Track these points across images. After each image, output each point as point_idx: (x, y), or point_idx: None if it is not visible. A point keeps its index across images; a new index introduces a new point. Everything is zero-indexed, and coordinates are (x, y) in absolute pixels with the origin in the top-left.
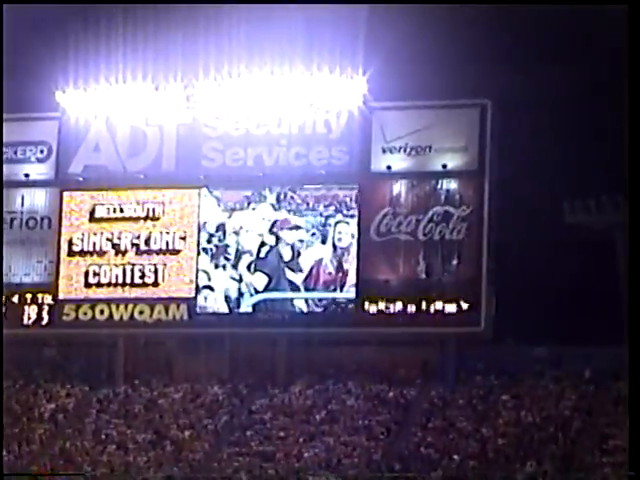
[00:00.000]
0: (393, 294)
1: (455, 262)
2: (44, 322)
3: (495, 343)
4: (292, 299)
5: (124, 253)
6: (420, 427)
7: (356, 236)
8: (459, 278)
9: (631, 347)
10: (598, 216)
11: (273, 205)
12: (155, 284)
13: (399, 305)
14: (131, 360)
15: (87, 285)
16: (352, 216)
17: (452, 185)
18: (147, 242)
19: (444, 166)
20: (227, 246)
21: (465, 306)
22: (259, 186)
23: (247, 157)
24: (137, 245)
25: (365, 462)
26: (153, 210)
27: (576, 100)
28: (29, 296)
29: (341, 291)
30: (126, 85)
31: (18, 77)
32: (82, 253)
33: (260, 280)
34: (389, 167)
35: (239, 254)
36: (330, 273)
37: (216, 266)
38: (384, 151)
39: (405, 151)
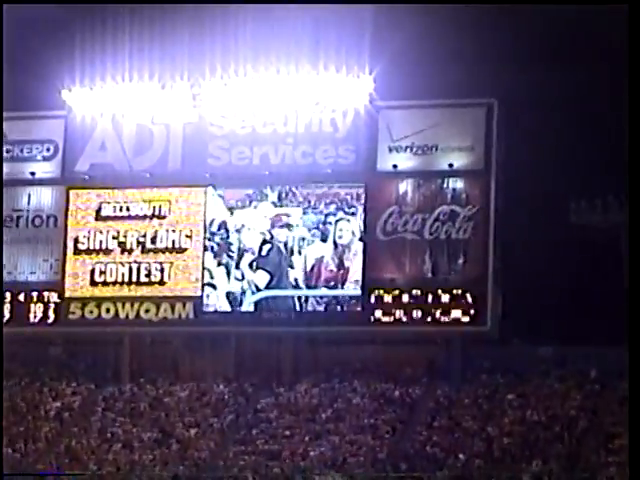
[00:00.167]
0: (399, 293)
1: (461, 261)
2: (50, 320)
3: (501, 342)
4: (294, 297)
5: (130, 251)
6: (426, 426)
7: (357, 234)
8: (465, 277)
9: (631, 347)
10: (604, 216)
11: (275, 203)
12: (161, 282)
13: (405, 304)
14: (137, 358)
15: (93, 283)
16: (353, 214)
17: (458, 184)
18: (153, 240)
19: (450, 165)
20: (230, 244)
21: (471, 305)
22: (261, 184)
23: (253, 156)
24: (143, 243)
25: (371, 461)
26: (159, 208)
27: (582, 100)
28: (35, 294)
29: (342, 288)
30: (132, 84)
31: (25, 75)
32: (88, 251)
33: (262, 278)
34: (395, 166)
35: (241, 252)
36: (331, 270)
37: (219, 264)
38: (390, 150)
39: (411, 150)
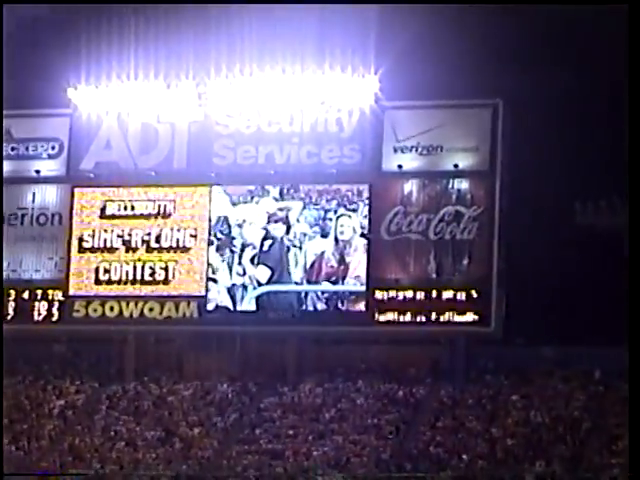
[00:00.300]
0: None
1: (466, 262)
2: (54, 318)
3: (505, 343)
4: (295, 292)
5: (135, 250)
6: (429, 426)
7: (358, 230)
8: (470, 278)
9: (631, 347)
10: (609, 217)
11: (276, 199)
12: (165, 281)
13: (409, 304)
14: (141, 357)
15: (97, 282)
16: (354, 210)
17: (463, 185)
18: (158, 239)
19: (455, 166)
20: (232, 239)
21: (475, 306)
22: (265, 183)
23: (258, 155)
24: (148, 242)
25: (374, 461)
26: (164, 207)
27: (588, 100)
28: (39, 292)
29: (342, 284)
30: (138, 82)
31: (30, 73)
32: (93, 250)
33: (263, 273)
34: (400, 166)
35: (242, 247)
36: (332, 266)
37: (220, 259)
38: (395, 150)
39: (416, 150)
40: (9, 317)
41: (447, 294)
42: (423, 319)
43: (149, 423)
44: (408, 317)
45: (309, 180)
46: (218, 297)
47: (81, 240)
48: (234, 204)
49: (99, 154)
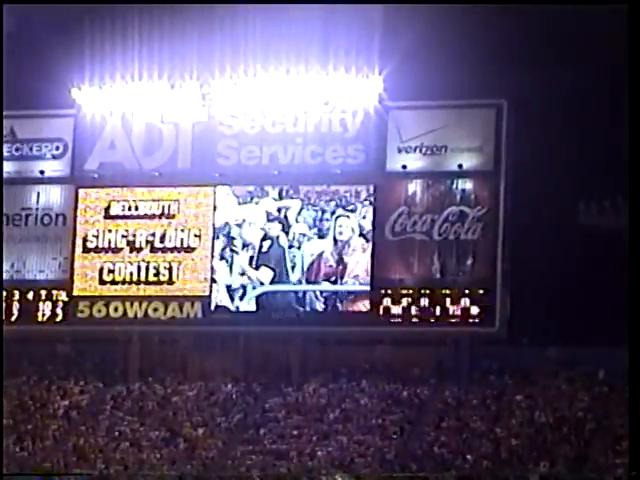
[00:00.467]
0: (408, 293)
1: (470, 262)
2: (58, 319)
3: (509, 343)
4: (295, 292)
5: (139, 250)
6: (434, 427)
7: (357, 230)
8: (474, 278)
9: (631, 348)
10: (613, 217)
11: (275, 199)
12: (170, 282)
13: (413, 304)
14: (145, 357)
15: (102, 282)
16: (352, 211)
17: (467, 185)
18: (162, 240)
19: (460, 166)
20: (233, 239)
21: (479, 306)
22: (269, 184)
23: (262, 155)
24: (152, 243)
25: (378, 461)
26: (168, 208)
27: (592, 100)
28: (44, 293)
29: (341, 283)
30: (142, 83)
31: (34, 74)
32: (97, 250)
33: (262, 273)
34: (404, 166)
35: (242, 247)
36: (331, 266)
37: (221, 259)
38: (400, 150)
39: (421, 151)
40: (13, 317)
41: (451, 294)
42: (427, 319)
43: (153, 423)
44: (412, 317)
45: (313, 180)
46: (218, 296)
47: (85, 240)
48: (236, 205)
49: (103, 154)
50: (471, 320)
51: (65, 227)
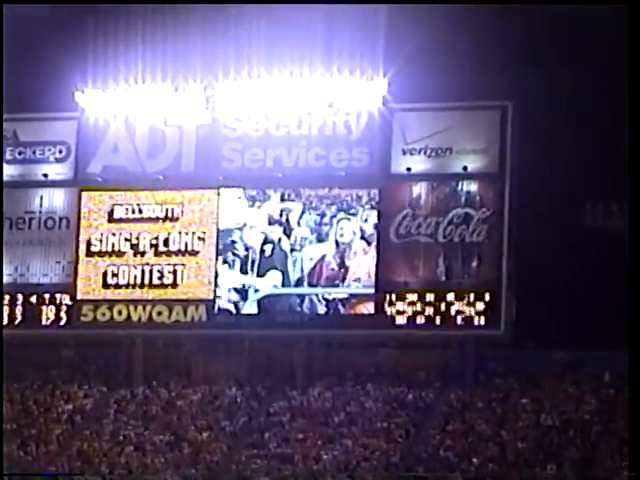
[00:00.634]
0: (413, 296)
1: (475, 264)
2: (62, 323)
3: (515, 346)
4: (297, 295)
5: (143, 254)
6: (439, 430)
7: (358, 233)
8: (479, 280)
9: (631, 349)
10: (619, 219)
11: (277, 203)
12: (174, 285)
13: (418, 307)
14: (149, 361)
15: (105, 286)
16: (354, 214)
17: (472, 187)
18: (166, 243)
19: (464, 168)
20: (234, 242)
21: (485, 309)
22: (273, 187)
23: (266, 158)
24: (156, 246)
25: (384, 465)
26: (172, 211)
27: (597, 101)
28: (47, 296)
29: (343, 286)
30: (145, 85)
31: (37, 77)
32: (100, 254)
33: (270, 276)
34: (409, 169)
35: (244, 251)
36: (333, 269)
37: (224, 262)
38: (404, 153)
39: (425, 153)
40: (17, 321)
41: (456, 297)
42: (432, 322)
43: (158, 427)
44: (417, 320)
45: (317, 183)
46: (220, 301)
47: (89, 244)
48: (238, 208)
49: (107, 158)
50: (476, 323)
51: (68, 230)
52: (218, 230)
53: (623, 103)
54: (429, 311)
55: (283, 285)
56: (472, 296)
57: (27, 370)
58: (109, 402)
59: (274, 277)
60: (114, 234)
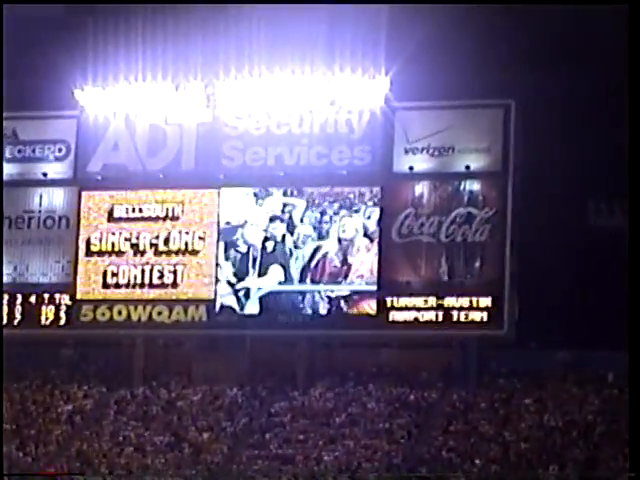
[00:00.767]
0: (415, 296)
1: (478, 264)
2: (62, 322)
3: (518, 346)
4: (300, 292)
5: (143, 253)
6: (441, 431)
7: (360, 230)
8: (482, 280)
9: (631, 349)
10: (622, 218)
11: (279, 200)
12: (174, 285)
13: (421, 307)
14: (149, 361)
15: (105, 285)
16: (356, 211)
17: (475, 186)
18: (166, 242)
19: (467, 167)
20: (235, 240)
21: (487, 309)
22: (274, 185)
23: (268, 156)
24: (156, 245)
25: (385, 466)
26: (172, 210)
27: (600, 101)
28: (47, 296)
29: (345, 283)
30: (146, 84)
31: (37, 75)
32: (100, 253)
33: (272, 272)
34: (411, 168)
35: (246, 248)
36: (335, 266)
37: (226, 259)
38: (406, 152)
39: (428, 152)
40: (16, 321)
41: (459, 297)
42: (435, 322)
43: (158, 428)
44: (419, 320)
45: (319, 182)
46: (223, 299)
47: (88, 243)
48: (240, 206)
49: (106, 156)
50: (479, 323)
51: (68, 230)
52: (219, 229)
53: (628, 102)
54: (431, 311)
55: (285, 281)
56: (474, 296)
57: (26, 370)
58: (109, 402)
59: (276, 273)
60: (114, 233)
